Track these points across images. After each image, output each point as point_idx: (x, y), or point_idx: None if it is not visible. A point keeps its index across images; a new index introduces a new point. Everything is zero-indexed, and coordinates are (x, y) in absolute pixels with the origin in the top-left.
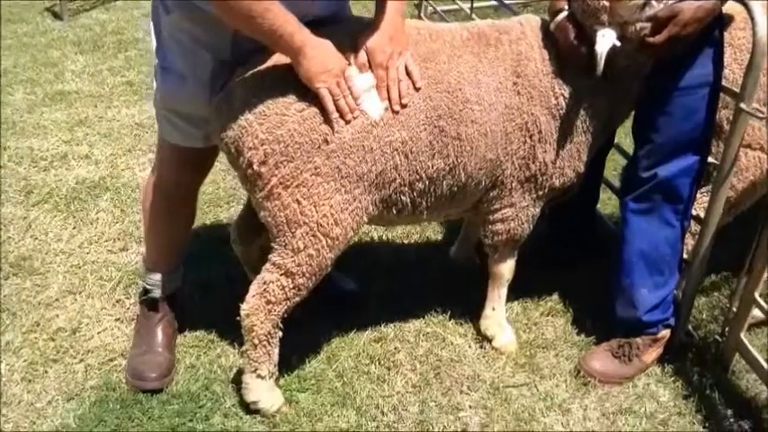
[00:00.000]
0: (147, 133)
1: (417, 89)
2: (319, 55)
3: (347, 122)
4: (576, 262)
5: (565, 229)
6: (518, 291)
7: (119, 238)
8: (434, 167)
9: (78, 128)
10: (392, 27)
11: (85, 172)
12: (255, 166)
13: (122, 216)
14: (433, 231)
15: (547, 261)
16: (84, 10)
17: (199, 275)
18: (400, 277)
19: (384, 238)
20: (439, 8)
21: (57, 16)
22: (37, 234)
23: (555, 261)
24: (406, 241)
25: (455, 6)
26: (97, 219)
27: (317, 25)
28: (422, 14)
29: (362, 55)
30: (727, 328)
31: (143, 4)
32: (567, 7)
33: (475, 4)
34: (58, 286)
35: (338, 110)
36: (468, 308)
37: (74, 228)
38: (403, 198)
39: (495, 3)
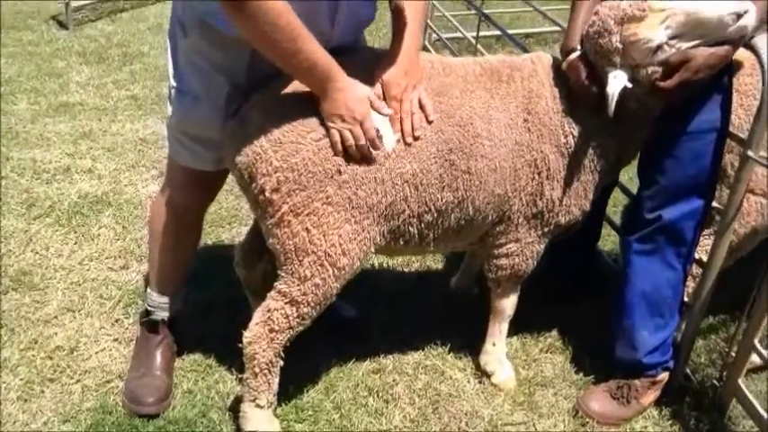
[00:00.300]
0: (150, 149)
1: (430, 122)
2: (343, 98)
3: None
4: (576, 298)
5: (566, 266)
6: (518, 326)
7: (120, 256)
8: (443, 200)
9: (82, 141)
10: (407, 60)
11: (88, 186)
12: (267, 193)
13: (124, 233)
14: (434, 260)
15: (547, 296)
16: (89, 20)
17: (199, 297)
18: (401, 305)
19: (385, 265)
20: (444, 36)
21: (62, 25)
22: (38, 248)
23: (555, 297)
24: (406, 269)
25: (459, 35)
26: (99, 235)
27: (333, 54)
28: (426, 42)
29: (378, 87)
30: (725, 373)
31: (149, 18)
32: (579, 47)
33: (479, 33)
34: (58, 303)
35: (345, 151)
36: (468, 340)
37: (75, 243)
38: (411, 229)
39: (498, 33)
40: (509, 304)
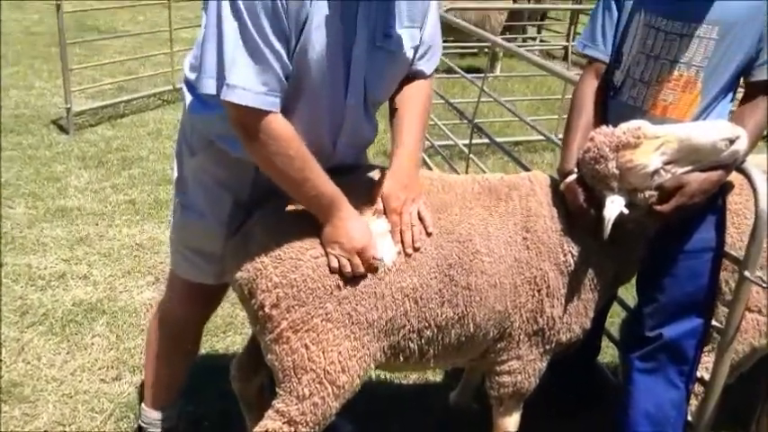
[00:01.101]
0: (146, 255)
1: (429, 234)
2: (345, 227)
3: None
4: (577, 412)
5: (566, 380)
6: None
7: (112, 366)
8: (443, 316)
9: (78, 246)
10: (406, 175)
11: (83, 293)
12: (267, 309)
13: (117, 342)
14: (433, 373)
15: (549, 412)
16: (90, 125)
17: (192, 410)
18: (399, 420)
19: (382, 377)
20: (436, 143)
21: (63, 130)
22: (29, 358)
23: (556, 412)
24: (404, 381)
25: (450, 142)
26: (92, 344)
27: (333, 172)
28: None
29: (378, 202)
30: None
31: (149, 123)
32: (576, 170)
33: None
34: (48, 416)
35: (340, 273)
36: None
37: (67, 353)
38: (411, 345)
39: (487, 141)
40: (512, 422)
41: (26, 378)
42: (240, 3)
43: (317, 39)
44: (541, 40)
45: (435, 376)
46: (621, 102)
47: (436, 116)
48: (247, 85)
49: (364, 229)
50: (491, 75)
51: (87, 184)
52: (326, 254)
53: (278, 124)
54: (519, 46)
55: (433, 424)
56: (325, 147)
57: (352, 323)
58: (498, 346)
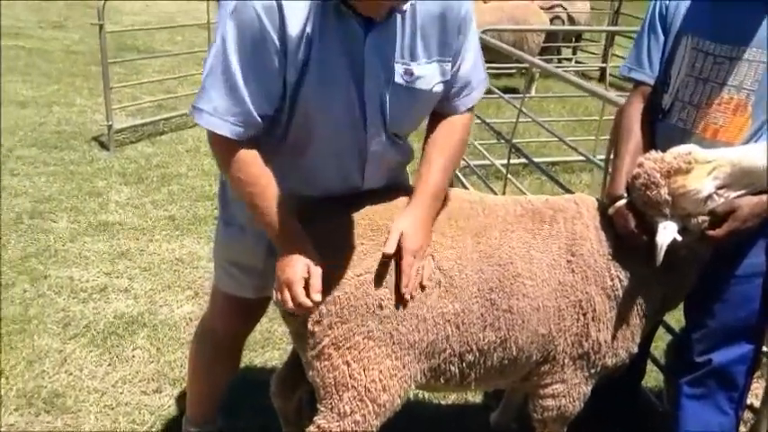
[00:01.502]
0: (186, 269)
1: (423, 288)
2: (283, 261)
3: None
4: None
5: (609, 404)
6: None
7: (153, 379)
8: (486, 339)
9: (119, 260)
10: (422, 219)
11: (124, 306)
12: (309, 325)
13: (158, 355)
14: (473, 393)
15: None
16: (130, 142)
17: (231, 425)
18: None
19: (421, 396)
20: (472, 163)
21: (104, 146)
22: (72, 369)
23: None
24: (443, 402)
25: (486, 162)
26: (133, 356)
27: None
28: None
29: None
30: None
31: (188, 140)
32: (626, 195)
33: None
34: (90, 427)
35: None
36: None
37: (109, 365)
38: (452, 368)
39: (523, 161)
40: None
41: (68, 389)
42: (230, 39)
43: (323, 72)
44: (576, 62)
45: (475, 397)
46: (670, 125)
47: (472, 136)
48: (214, 111)
49: (300, 267)
50: (529, 96)
51: (128, 200)
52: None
53: (238, 153)
54: (555, 67)
55: None
56: (352, 177)
57: (394, 343)
58: (542, 369)
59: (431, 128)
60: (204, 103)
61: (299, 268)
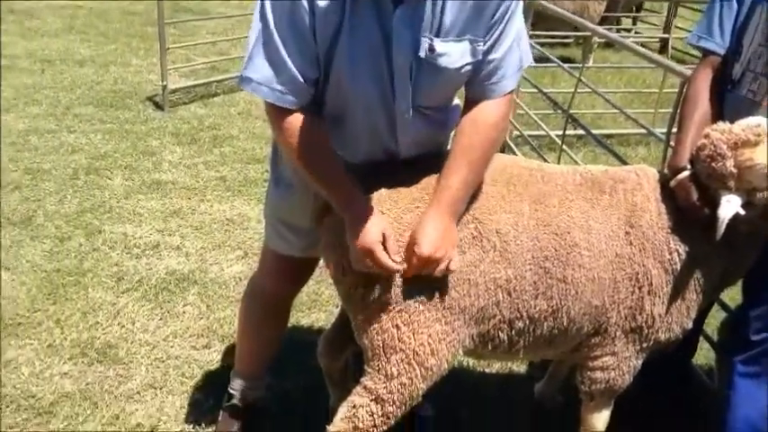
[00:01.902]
0: (236, 230)
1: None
2: (354, 229)
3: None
4: (668, 413)
5: (659, 379)
6: None
7: (203, 335)
8: (537, 308)
9: (172, 218)
10: (441, 220)
11: (176, 263)
12: (361, 287)
13: (208, 312)
14: (517, 363)
15: (639, 410)
16: (183, 103)
17: (276, 384)
18: (481, 409)
19: (466, 364)
20: (525, 132)
21: (158, 106)
22: (124, 322)
23: (646, 411)
24: (488, 370)
25: (541, 132)
26: (183, 312)
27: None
28: (507, 138)
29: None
30: None
31: (239, 103)
32: (689, 166)
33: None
34: (141, 379)
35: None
36: None
37: (160, 319)
38: (501, 335)
39: (580, 132)
40: (601, 420)
41: (120, 341)
42: (267, 5)
43: (352, 45)
44: (636, 32)
45: (520, 367)
46: (740, 96)
47: (526, 105)
48: (263, 80)
49: (375, 231)
50: (587, 66)
51: (180, 160)
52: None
53: (289, 122)
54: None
55: (516, 415)
56: (387, 143)
57: (444, 307)
58: (593, 340)
59: (463, 112)
60: (251, 71)
61: (375, 232)
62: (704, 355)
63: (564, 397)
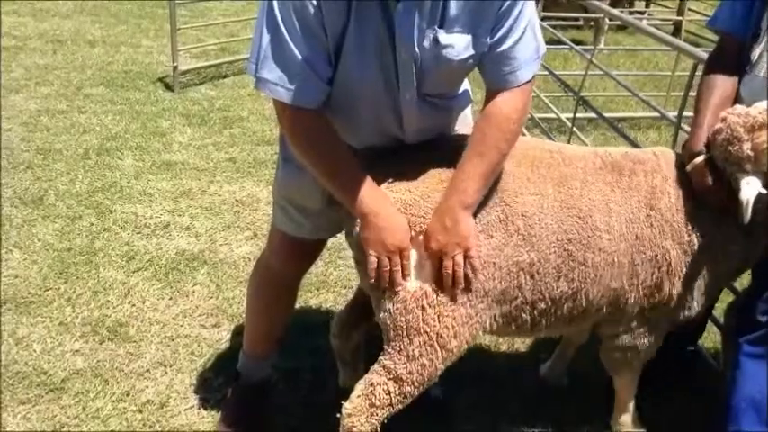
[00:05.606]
0: (246, 211)
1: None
2: (380, 227)
3: None
4: (672, 395)
5: (667, 358)
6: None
7: (212, 314)
8: (558, 289)
9: (182, 199)
10: (450, 217)
11: (185, 243)
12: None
13: (217, 291)
14: (524, 344)
15: (646, 388)
16: (193, 84)
17: (284, 364)
18: (488, 389)
19: (473, 344)
20: (536, 115)
21: (168, 87)
22: (135, 301)
23: (653, 389)
24: (494, 350)
25: (551, 115)
26: (193, 291)
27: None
28: None
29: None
30: None
31: (249, 85)
32: (705, 151)
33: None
34: (151, 356)
35: (380, 278)
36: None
37: (170, 298)
38: (523, 315)
39: (591, 115)
40: (631, 391)
41: (131, 319)
42: (275, 5)
43: (358, 37)
44: (649, 14)
45: (526, 347)
46: (758, 79)
47: (537, 87)
48: (279, 81)
49: (399, 230)
50: (599, 48)
51: (190, 141)
52: (366, 256)
53: (304, 124)
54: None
55: (523, 395)
56: (393, 131)
57: (470, 290)
58: (611, 318)
59: (484, 104)
60: (266, 72)
61: (404, 237)
62: (711, 339)
63: (569, 380)
